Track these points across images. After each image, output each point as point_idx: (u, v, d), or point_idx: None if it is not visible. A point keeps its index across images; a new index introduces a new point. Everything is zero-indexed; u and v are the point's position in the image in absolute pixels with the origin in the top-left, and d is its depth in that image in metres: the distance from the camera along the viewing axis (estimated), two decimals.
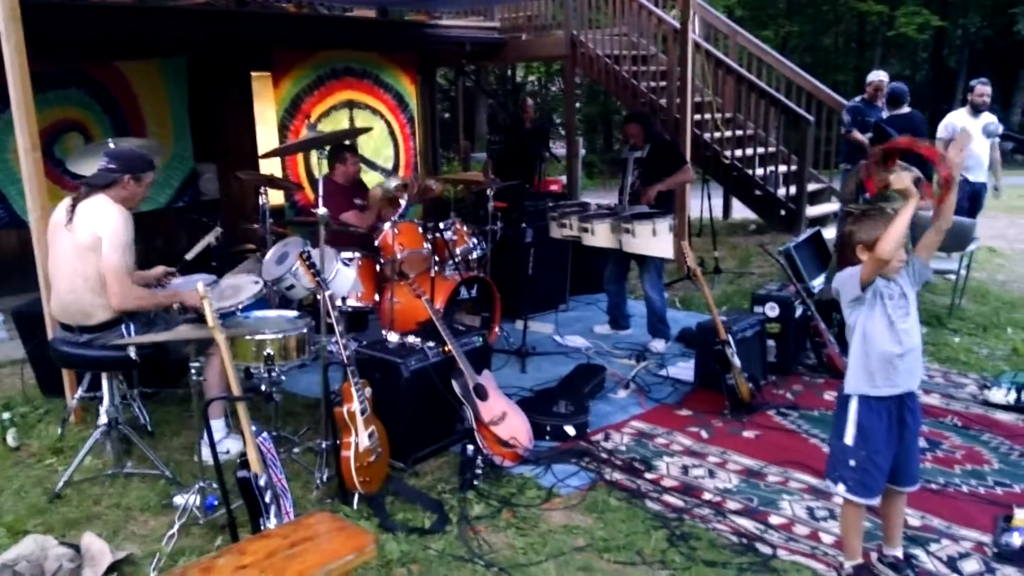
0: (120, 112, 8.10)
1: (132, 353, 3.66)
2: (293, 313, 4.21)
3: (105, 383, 4.03)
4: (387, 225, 5.41)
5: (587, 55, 9.79)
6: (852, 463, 3.03)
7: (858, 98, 7.97)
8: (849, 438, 3.04)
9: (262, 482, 3.00)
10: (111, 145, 4.64)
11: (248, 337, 3.77)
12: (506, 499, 3.79)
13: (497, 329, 5.90)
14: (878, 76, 7.90)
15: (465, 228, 5.91)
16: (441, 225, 5.70)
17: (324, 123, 9.79)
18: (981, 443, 4.46)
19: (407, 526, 3.51)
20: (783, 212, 8.86)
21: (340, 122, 9.95)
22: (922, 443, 4.39)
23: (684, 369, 5.49)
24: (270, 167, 9.39)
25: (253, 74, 9.28)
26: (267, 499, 3.01)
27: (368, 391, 3.70)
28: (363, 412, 3.62)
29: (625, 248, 5.61)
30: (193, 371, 3.30)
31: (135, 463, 4.00)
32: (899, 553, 3.23)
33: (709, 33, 10.03)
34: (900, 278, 3.00)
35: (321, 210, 3.66)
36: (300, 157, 9.29)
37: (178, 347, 3.91)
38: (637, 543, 3.44)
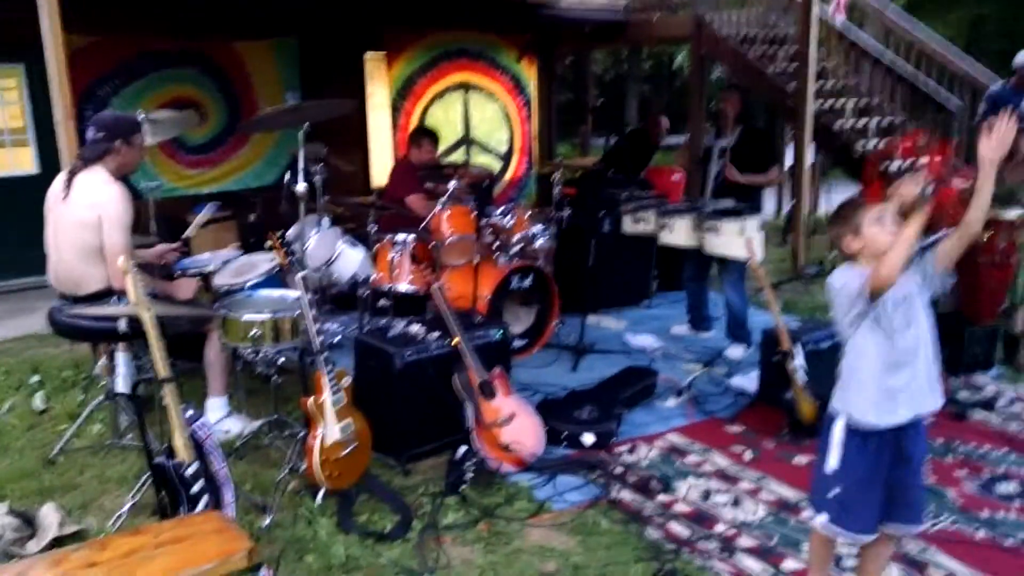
0: (233, 91, 8.32)
1: (121, 325, 3.61)
2: (297, 294, 4.05)
3: (120, 353, 4.04)
4: (438, 207, 5.17)
5: (712, 36, 9.12)
6: (833, 493, 2.56)
7: (999, 83, 6.89)
8: (833, 462, 2.54)
9: (189, 471, 2.83)
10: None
11: (234, 317, 3.65)
12: (489, 509, 3.46)
13: (554, 323, 5.54)
14: None
15: (527, 214, 5.56)
16: (499, 210, 5.39)
17: (437, 105, 9.71)
18: None
19: (365, 529, 3.27)
20: None
21: (454, 104, 9.83)
22: (1013, 488, 3.72)
23: (750, 380, 4.91)
24: (380, 147, 9.44)
25: (367, 55, 9.29)
26: (194, 489, 2.84)
27: (346, 381, 3.47)
28: (336, 403, 3.40)
29: (707, 249, 5.05)
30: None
31: (135, 435, 3.98)
32: None
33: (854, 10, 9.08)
34: (905, 275, 2.44)
35: (300, 187, 3.46)
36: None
37: (175, 323, 3.85)
38: (613, 575, 3.03)
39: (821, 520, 2.60)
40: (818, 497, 2.63)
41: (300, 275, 3.33)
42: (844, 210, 2.60)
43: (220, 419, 4.05)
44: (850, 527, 2.56)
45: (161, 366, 2.81)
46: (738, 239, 4.99)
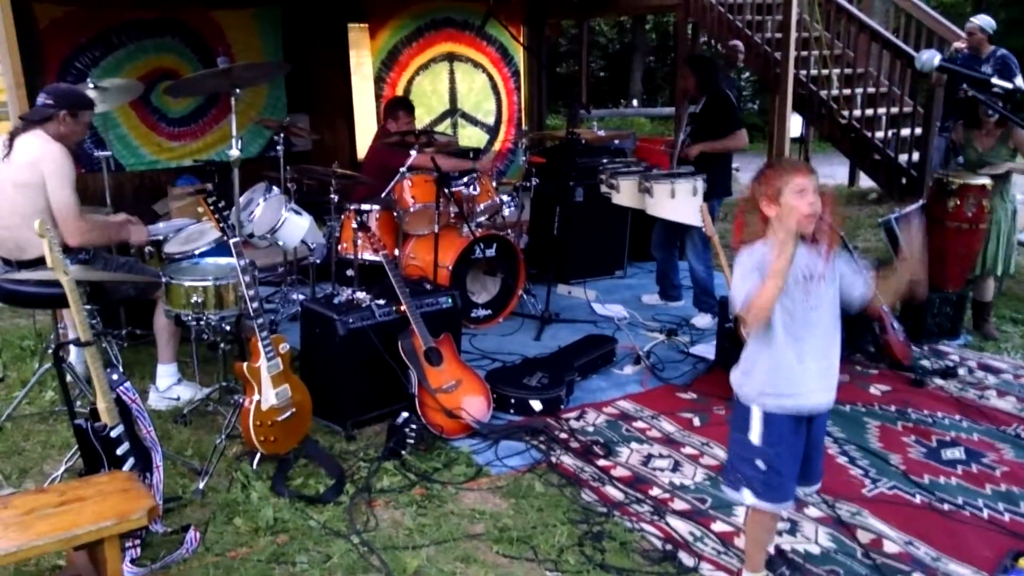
0: (214, 62, 8.26)
1: None
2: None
3: (69, 319, 4.06)
4: (400, 175, 5.15)
5: (700, 3, 9.00)
6: (760, 464, 2.51)
7: (955, 46, 6.77)
8: (755, 435, 2.51)
9: (114, 433, 2.86)
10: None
11: (176, 283, 3.65)
12: (426, 473, 3.48)
13: (519, 292, 5.52)
14: (976, 21, 6.60)
15: (493, 183, 5.54)
16: (464, 179, 5.36)
17: (423, 76, 9.64)
18: None
19: (298, 492, 3.29)
20: (904, 180, 7.78)
21: (439, 75, 9.76)
22: (959, 454, 3.70)
23: (711, 348, 4.90)
24: (365, 118, 9.39)
25: (350, 25, 9.23)
26: (119, 451, 2.87)
27: (284, 347, 3.48)
28: (272, 369, 3.41)
29: (648, 210, 5.05)
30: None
31: (83, 403, 4.01)
32: (771, 548, 2.83)
33: None
34: (812, 252, 2.41)
35: (234, 152, 3.46)
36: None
37: (117, 288, 3.87)
38: (537, 537, 3.04)
39: (745, 497, 2.55)
40: (736, 471, 2.57)
41: (234, 240, 3.33)
42: (769, 171, 2.46)
43: (169, 386, 4.07)
44: (773, 499, 2.53)
45: (82, 329, 2.83)
46: (671, 201, 4.98)
